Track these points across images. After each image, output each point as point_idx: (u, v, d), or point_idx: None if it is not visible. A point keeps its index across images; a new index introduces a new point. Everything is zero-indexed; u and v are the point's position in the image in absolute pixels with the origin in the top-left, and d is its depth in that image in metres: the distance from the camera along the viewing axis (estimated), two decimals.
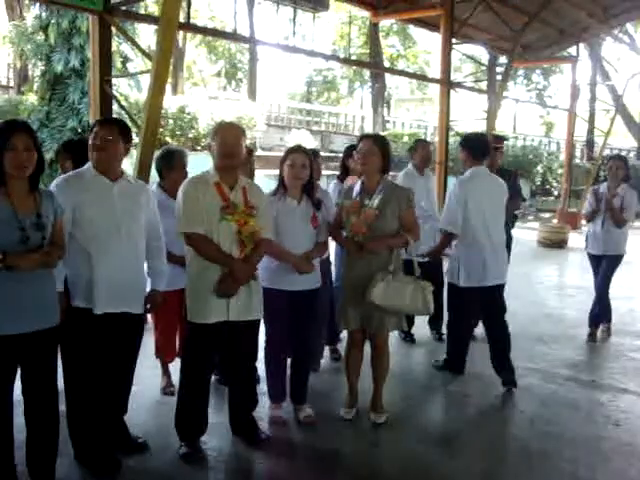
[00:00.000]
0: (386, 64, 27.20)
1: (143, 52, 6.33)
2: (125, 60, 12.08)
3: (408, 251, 3.82)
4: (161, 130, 13.09)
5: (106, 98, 5.68)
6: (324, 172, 6.01)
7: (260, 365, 3.88)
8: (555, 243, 12.26)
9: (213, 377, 4.07)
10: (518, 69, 25.22)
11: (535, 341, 5.72)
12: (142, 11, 11.67)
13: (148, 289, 3.34)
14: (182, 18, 6.49)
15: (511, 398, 4.40)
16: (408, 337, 5.51)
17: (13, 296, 2.61)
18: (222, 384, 4.10)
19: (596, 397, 4.46)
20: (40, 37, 11.65)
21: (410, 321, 5.15)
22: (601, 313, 5.85)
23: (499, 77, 16.30)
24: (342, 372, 4.10)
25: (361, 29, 30.59)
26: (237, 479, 3.37)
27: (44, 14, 11.58)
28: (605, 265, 5.68)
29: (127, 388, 3.35)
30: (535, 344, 5.64)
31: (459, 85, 11.47)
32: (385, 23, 26.82)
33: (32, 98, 12.70)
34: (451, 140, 11.36)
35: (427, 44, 32.96)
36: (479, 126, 12.69)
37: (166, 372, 4.27)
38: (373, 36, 24.27)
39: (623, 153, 18.17)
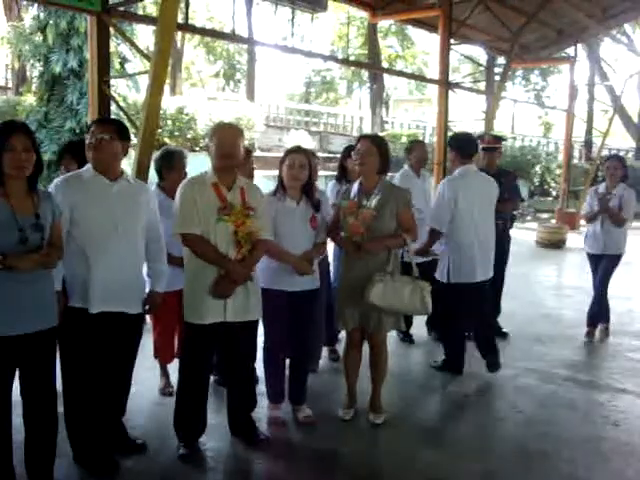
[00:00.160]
0: (384, 65, 27.22)
1: (141, 53, 6.33)
2: (123, 61, 12.08)
3: (407, 254, 3.84)
4: (159, 131, 13.08)
5: (104, 99, 5.68)
6: (323, 173, 6.02)
7: (259, 366, 3.88)
8: (553, 243, 12.26)
9: (212, 378, 4.07)
10: (516, 69, 25.24)
11: (533, 341, 5.73)
12: (140, 12, 11.66)
13: (147, 290, 3.34)
14: (180, 19, 6.49)
15: (509, 398, 4.41)
16: (407, 338, 5.51)
17: (12, 297, 2.61)
18: (221, 385, 4.10)
19: (594, 397, 4.46)
20: (38, 38, 11.64)
21: (408, 322, 5.15)
22: (599, 313, 5.85)
23: (497, 77, 16.33)
24: (341, 373, 4.10)
25: (359, 30, 30.62)
26: (235, 479, 3.38)
27: (42, 15, 11.57)
28: (604, 265, 5.69)
29: (126, 389, 3.35)
30: (533, 344, 5.64)
31: (457, 86, 11.47)
32: (383, 24, 26.81)
33: (30, 99, 12.69)
34: None
35: (425, 45, 33.06)
36: (478, 126, 12.72)
37: (165, 373, 4.27)
38: (371, 37, 24.29)
39: (621, 153, 18.15)
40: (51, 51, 11.37)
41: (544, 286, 8.64)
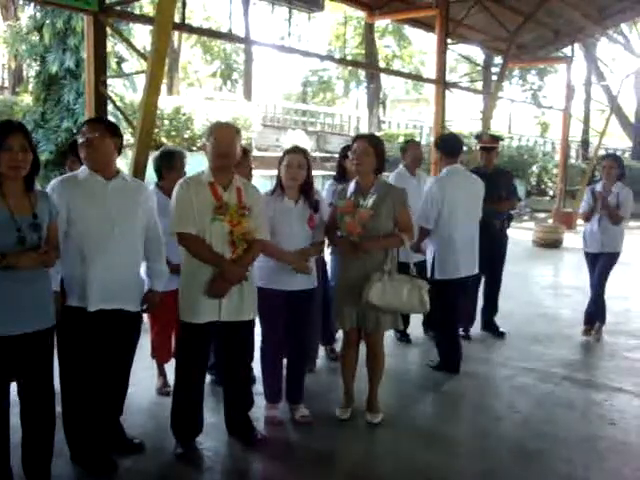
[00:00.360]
0: (381, 64, 27.22)
1: (138, 52, 6.32)
2: (120, 60, 12.04)
3: (405, 254, 3.85)
4: (156, 130, 13.07)
5: (101, 98, 5.66)
6: (319, 172, 6.02)
7: (256, 365, 3.88)
8: (550, 243, 12.28)
9: (209, 377, 4.07)
10: (513, 69, 25.29)
11: (530, 341, 5.74)
12: (137, 11, 11.61)
13: (146, 289, 3.33)
14: (177, 18, 6.48)
15: (507, 398, 4.41)
16: (404, 337, 5.52)
17: (10, 296, 2.61)
18: (218, 384, 4.09)
19: (592, 396, 4.47)
20: (35, 37, 11.61)
21: (406, 321, 5.16)
22: (596, 313, 5.87)
23: (494, 77, 16.35)
24: (338, 372, 4.10)
25: (356, 29, 30.63)
26: (233, 479, 3.36)
27: (38, 14, 11.53)
28: (602, 263, 5.71)
29: (123, 389, 3.34)
30: (530, 344, 5.65)
31: (454, 85, 11.49)
32: (380, 23, 26.85)
33: (27, 99, 12.66)
34: None
35: (422, 44, 33.06)
36: (475, 126, 12.73)
37: (162, 372, 4.26)
38: (368, 36, 24.31)
39: (618, 153, 18.22)
40: (48, 51, 11.34)
41: (541, 286, 8.65)
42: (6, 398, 2.73)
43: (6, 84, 18.25)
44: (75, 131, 10.97)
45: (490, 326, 5.90)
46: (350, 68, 31.13)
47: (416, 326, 5.62)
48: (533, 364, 5.08)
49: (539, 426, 3.94)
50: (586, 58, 20.38)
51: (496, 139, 6.00)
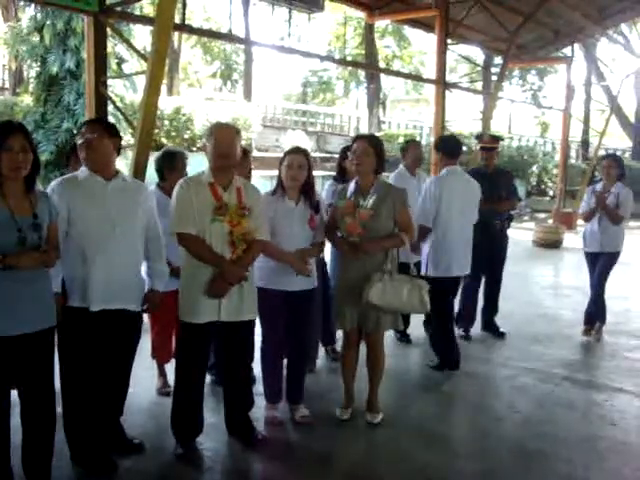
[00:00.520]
0: (381, 65, 27.22)
1: (138, 53, 6.32)
2: (120, 61, 12.04)
3: (406, 254, 3.86)
4: (157, 131, 13.07)
5: (101, 99, 5.67)
6: (319, 172, 6.03)
7: (256, 365, 3.88)
8: (550, 243, 12.28)
9: (209, 378, 4.07)
10: (513, 69, 25.29)
11: (530, 341, 5.74)
12: (137, 12, 11.61)
13: (147, 289, 3.34)
14: (177, 19, 6.48)
15: (507, 398, 4.41)
16: (404, 338, 5.52)
17: (10, 297, 2.61)
18: (218, 385, 4.10)
19: (592, 397, 4.47)
20: (35, 38, 11.60)
21: (406, 322, 5.16)
22: (596, 313, 5.87)
23: (494, 77, 16.35)
24: (338, 372, 4.10)
25: (356, 30, 30.62)
26: (233, 479, 3.36)
27: (39, 15, 11.53)
28: (602, 263, 5.71)
29: (124, 389, 3.35)
30: (530, 344, 5.65)
31: (454, 85, 11.49)
32: (380, 24, 26.83)
33: (27, 99, 12.65)
34: None
35: (422, 45, 33.05)
36: (475, 126, 12.73)
37: (162, 373, 4.26)
38: (368, 37, 24.31)
39: (618, 153, 18.21)
40: (48, 52, 11.33)
41: (541, 286, 8.65)
42: (6, 398, 2.73)
43: (6, 85, 18.26)
44: (75, 132, 10.98)
45: (490, 326, 5.90)
46: (350, 68, 31.13)
47: (416, 326, 5.62)
48: (533, 364, 5.08)
49: (539, 426, 3.94)
50: (586, 58, 20.39)
51: (496, 139, 6.00)
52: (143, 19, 7.16)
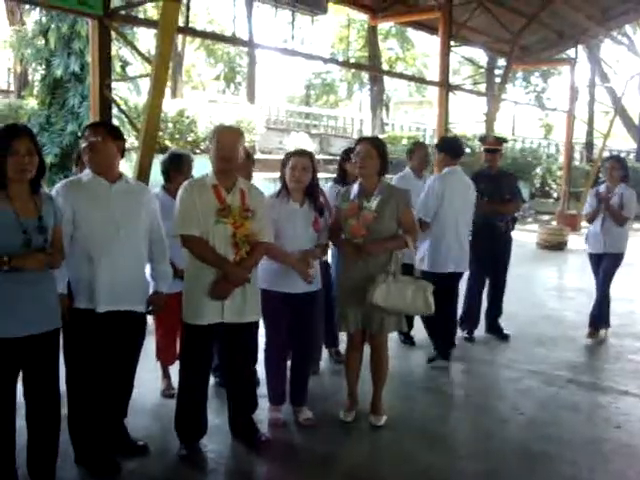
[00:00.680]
0: (385, 67, 27.26)
1: (142, 56, 6.34)
2: (124, 64, 12.09)
3: (409, 255, 3.86)
4: (160, 133, 13.08)
5: (106, 102, 5.69)
6: (323, 175, 6.03)
7: (260, 367, 3.89)
8: (554, 245, 12.26)
9: (213, 379, 4.08)
10: (517, 71, 25.24)
11: (535, 343, 5.73)
12: (141, 15, 11.66)
13: (151, 291, 3.35)
14: (181, 22, 6.50)
15: (511, 400, 4.41)
16: (407, 340, 5.51)
17: (13, 298, 2.62)
18: (222, 386, 4.10)
19: (597, 399, 4.46)
20: (40, 42, 11.66)
21: (409, 324, 5.16)
22: (600, 315, 5.86)
23: (498, 79, 16.34)
24: (342, 374, 4.11)
25: (359, 32, 30.67)
26: None
27: (44, 19, 11.59)
28: (605, 264, 5.70)
29: (128, 390, 3.36)
30: (535, 346, 5.64)
31: (458, 88, 11.48)
32: (383, 26, 26.86)
33: (32, 102, 12.70)
34: None
35: (425, 47, 33.05)
36: (478, 128, 12.71)
37: (166, 375, 4.27)
38: (371, 39, 24.30)
39: (622, 155, 18.18)
40: (53, 55, 11.39)
41: (545, 288, 8.64)
42: (12, 400, 2.74)
43: (12, 88, 18.33)
44: (79, 134, 11.01)
45: (494, 328, 5.89)
46: (353, 71, 31.07)
47: (420, 328, 5.60)
48: (537, 366, 5.07)
49: (544, 428, 3.93)
50: (590, 59, 20.33)
51: (500, 141, 6.00)
52: (147, 22, 7.20)
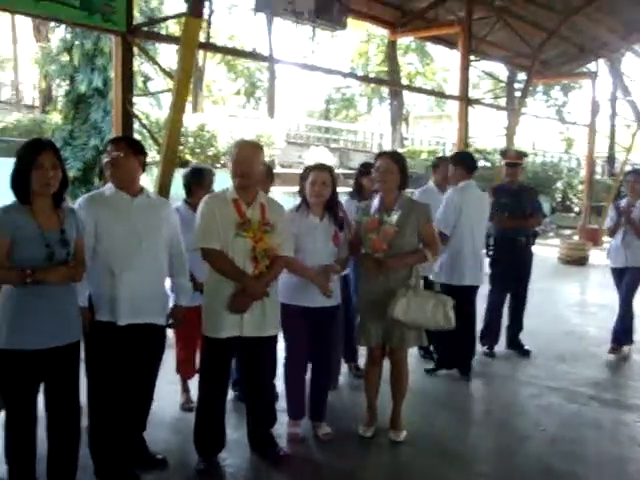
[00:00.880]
0: (404, 81, 27.31)
1: (164, 71, 6.42)
2: (146, 79, 12.28)
3: (429, 269, 3.86)
4: (181, 148, 13.23)
5: (128, 117, 5.76)
6: (342, 189, 6.04)
7: (279, 382, 3.88)
8: (576, 260, 12.11)
9: (232, 393, 4.08)
10: (537, 85, 25.14)
11: (556, 359, 5.64)
12: (163, 32, 11.84)
13: (171, 304, 3.37)
14: (202, 38, 6.58)
15: (533, 417, 4.34)
16: (427, 354, 5.46)
17: (35, 311, 2.66)
18: (241, 400, 4.09)
19: (620, 417, 4.38)
20: (64, 58, 11.91)
21: (430, 339, 5.13)
22: (624, 331, 5.76)
23: (518, 93, 16.27)
24: (361, 390, 4.07)
25: (379, 47, 30.80)
26: None
27: (68, 36, 11.84)
28: (628, 278, 5.63)
29: (148, 404, 3.37)
30: (556, 362, 5.56)
31: (477, 102, 11.45)
32: (403, 41, 26.93)
33: (56, 117, 12.95)
34: None
35: (445, 61, 33.10)
36: (498, 143, 12.65)
37: (186, 388, 4.28)
38: (391, 54, 24.39)
39: None
40: (77, 71, 11.62)
41: (567, 303, 8.52)
42: (33, 411, 2.77)
43: (36, 103, 18.68)
44: (102, 149, 11.18)
45: (515, 344, 5.82)
46: (373, 85, 31.26)
47: None
48: (559, 383, 4.99)
49: (567, 446, 3.86)
50: (611, 73, 20.16)
51: (521, 155, 5.97)
52: (169, 38, 7.29)
